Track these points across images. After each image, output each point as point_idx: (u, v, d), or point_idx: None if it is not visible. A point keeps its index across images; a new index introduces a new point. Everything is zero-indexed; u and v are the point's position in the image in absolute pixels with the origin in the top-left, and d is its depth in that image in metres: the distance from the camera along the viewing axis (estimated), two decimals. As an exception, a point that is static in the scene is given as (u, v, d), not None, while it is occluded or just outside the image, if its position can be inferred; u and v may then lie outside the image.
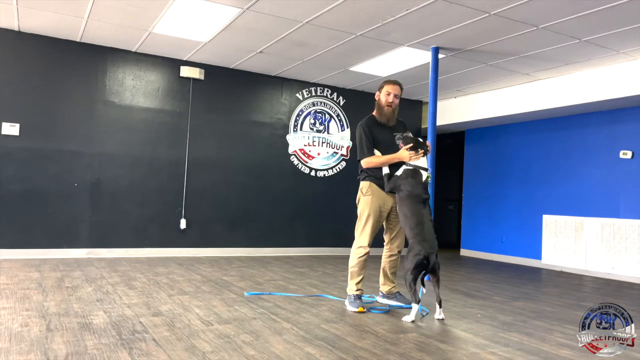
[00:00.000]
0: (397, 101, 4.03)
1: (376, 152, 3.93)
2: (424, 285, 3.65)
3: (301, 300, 4.12)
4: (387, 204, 3.94)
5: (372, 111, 4.12)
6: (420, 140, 3.82)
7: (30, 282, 4.42)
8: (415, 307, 3.48)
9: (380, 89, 4.06)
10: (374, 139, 3.95)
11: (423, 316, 3.70)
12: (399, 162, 3.83)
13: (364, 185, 3.98)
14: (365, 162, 3.94)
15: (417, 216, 3.62)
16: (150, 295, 4.05)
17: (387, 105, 4.00)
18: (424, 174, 3.71)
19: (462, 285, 5.32)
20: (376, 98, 4.09)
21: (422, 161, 3.75)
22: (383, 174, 3.87)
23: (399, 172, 3.75)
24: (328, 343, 2.92)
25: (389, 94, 3.99)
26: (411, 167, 3.72)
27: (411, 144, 3.75)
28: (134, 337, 2.85)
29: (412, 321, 3.47)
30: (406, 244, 3.78)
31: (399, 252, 4.08)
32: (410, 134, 3.87)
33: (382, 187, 3.92)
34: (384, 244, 4.09)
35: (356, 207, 4.03)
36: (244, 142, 7.34)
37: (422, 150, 3.75)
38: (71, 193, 6.24)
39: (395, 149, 3.88)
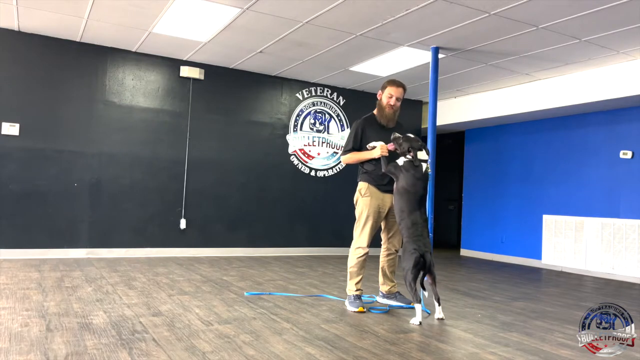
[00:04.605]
0: (398, 104, 4.01)
1: (371, 144, 3.90)
2: (424, 289, 3.64)
3: (301, 300, 4.12)
4: (385, 205, 3.93)
5: (373, 110, 4.11)
6: (411, 136, 3.75)
7: (30, 282, 4.42)
8: (418, 307, 3.46)
9: (383, 88, 4.02)
10: (367, 139, 3.94)
11: (428, 314, 3.70)
12: (396, 155, 3.81)
13: (362, 186, 3.97)
14: (342, 158, 4.07)
15: (414, 215, 3.60)
16: (150, 295, 4.05)
17: (389, 108, 3.99)
18: (424, 166, 3.68)
19: (462, 285, 5.32)
20: (378, 97, 4.06)
21: (422, 154, 3.71)
22: (382, 160, 3.81)
23: (400, 162, 3.72)
24: (328, 343, 2.92)
25: (391, 97, 3.97)
26: (411, 159, 3.67)
27: (401, 144, 3.71)
28: (134, 337, 2.85)
29: (420, 323, 3.44)
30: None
31: (397, 250, 4.08)
32: (397, 134, 3.76)
33: (380, 188, 3.91)
34: (382, 242, 4.09)
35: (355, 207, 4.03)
36: (244, 142, 7.34)
37: (412, 153, 3.67)
38: (71, 193, 6.24)
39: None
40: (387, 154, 3.77)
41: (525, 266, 7.56)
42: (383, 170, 3.78)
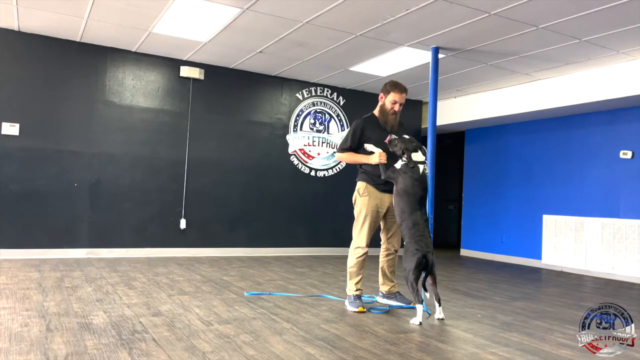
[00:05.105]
0: (401, 108, 4.00)
1: (371, 146, 3.89)
2: (426, 290, 3.64)
3: (301, 300, 4.12)
4: (384, 204, 3.93)
5: (373, 110, 4.09)
6: (406, 137, 3.76)
7: (30, 282, 4.42)
8: (419, 308, 3.46)
9: (386, 92, 3.96)
10: (367, 139, 3.92)
11: (429, 314, 3.70)
12: (396, 156, 3.81)
13: (360, 185, 3.97)
14: (338, 155, 4.06)
15: (414, 216, 3.60)
16: (150, 295, 4.05)
17: (392, 114, 3.97)
18: (421, 167, 3.69)
19: (462, 285, 5.32)
20: (380, 101, 4.02)
21: (418, 156, 3.71)
22: (380, 167, 3.82)
23: (398, 165, 3.73)
24: (328, 343, 2.92)
25: (395, 103, 3.94)
26: (409, 162, 3.68)
27: (396, 145, 3.72)
28: (134, 337, 2.85)
29: (420, 323, 3.44)
30: (402, 244, 3.78)
31: (396, 250, 4.08)
32: (394, 136, 3.78)
33: (378, 187, 3.91)
34: (381, 243, 4.09)
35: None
36: (244, 142, 7.34)
37: (406, 155, 3.68)
38: (71, 193, 6.24)
39: (389, 150, 3.87)
40: (386, 162, 3.77)
41: (525, 266, 7.56)
42: (382, 177, 3.79)
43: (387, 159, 3.80)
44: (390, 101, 3.95)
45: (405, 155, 3.66)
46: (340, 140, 4.07)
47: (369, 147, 3.89)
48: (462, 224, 9.07)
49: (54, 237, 6.12)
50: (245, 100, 7.36)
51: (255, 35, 5.75)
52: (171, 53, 6.66)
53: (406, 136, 3.77)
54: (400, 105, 3.96)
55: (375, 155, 3.81)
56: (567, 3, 4.42)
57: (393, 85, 3.96)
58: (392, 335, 3.16)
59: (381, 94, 4.02)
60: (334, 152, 7.99)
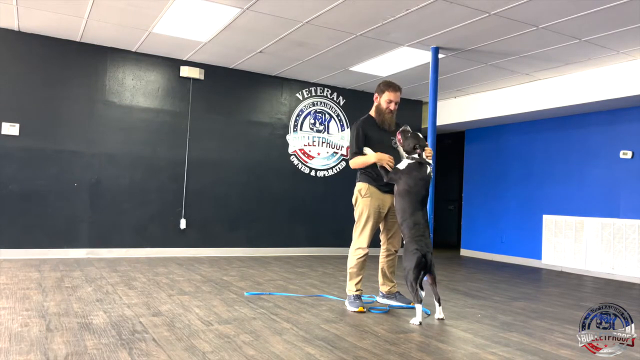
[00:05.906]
0: (397, 107, 4.01)
1: (366, 149, 3.90)
2: (422, 289, 3.64)
3: (301, 300, 4.12)
4: (385, 205, 3.93)
5: (370, 110, 4.10)
6: (419, 135, 3.79)
7: (30, 282, 4.42)
8: (418, 307, 3.47)
9: (380, 92, 3.98)
10: (369, 139, 3.93)
11: (428, 314, 3.70)
12: (398, 155, 3.82)
13: (362, 186, 3.96)
14: (352, 163, 3.98)
15: (416, 216, 3.61)
16: (150, 295, 4.05)
17: (389, 113, 3.98)
18: (428, 168, 3.70)
19: (462, 285, 5.32)
20: (375, 101, 4.04)
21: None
22: (381, 171, 3.84)
23: (401, 166, 3.73)
24: (328, 343, 2.92)
25: (390, 102, 3.95)
26: (415, 161, 3.70)
27: (408, 138, 3.74)
28: (134, 337, 2.85)
29: (420, 323, 3.45)
30: (402, 244, 3.78)
31: (396, 251, 4.08)
32: (408, 127, 3.82)
33: (380, 188, 3.91)
34: (381, 243, 4.09)
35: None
36: (244, 142, 7.34)
37: (419, 151, 3.71)
38: (71, 193, 6.24)
39: (390, 150, 3.87)
40: (387, 165, 3.77)
41: (525, 266, 7.56)
42: (385, 180, 3.80)
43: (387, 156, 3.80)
44: (385, 100, 3.96)
45: (417, 151, 3.67)
46: (350, 149, 4.06)
47: (365, 150, 3.90)
48: (462, 224, 9.07)
49: (54, 237, 6.12)
50: (245, 100, 7.36)
51: (255, 35, 5.75)
52: (171, 53, 6.66)
53: (419, 133, 3.79)
54: (395, 104, 3.97)
55: (373, 155, 3.80)
56: (567, 3, 4.42)
57: (387, 84, 3.99)
58: (392, 335, 3.16)
59: (376, 95, 4.04)
60: (334, 153, 7.99)
